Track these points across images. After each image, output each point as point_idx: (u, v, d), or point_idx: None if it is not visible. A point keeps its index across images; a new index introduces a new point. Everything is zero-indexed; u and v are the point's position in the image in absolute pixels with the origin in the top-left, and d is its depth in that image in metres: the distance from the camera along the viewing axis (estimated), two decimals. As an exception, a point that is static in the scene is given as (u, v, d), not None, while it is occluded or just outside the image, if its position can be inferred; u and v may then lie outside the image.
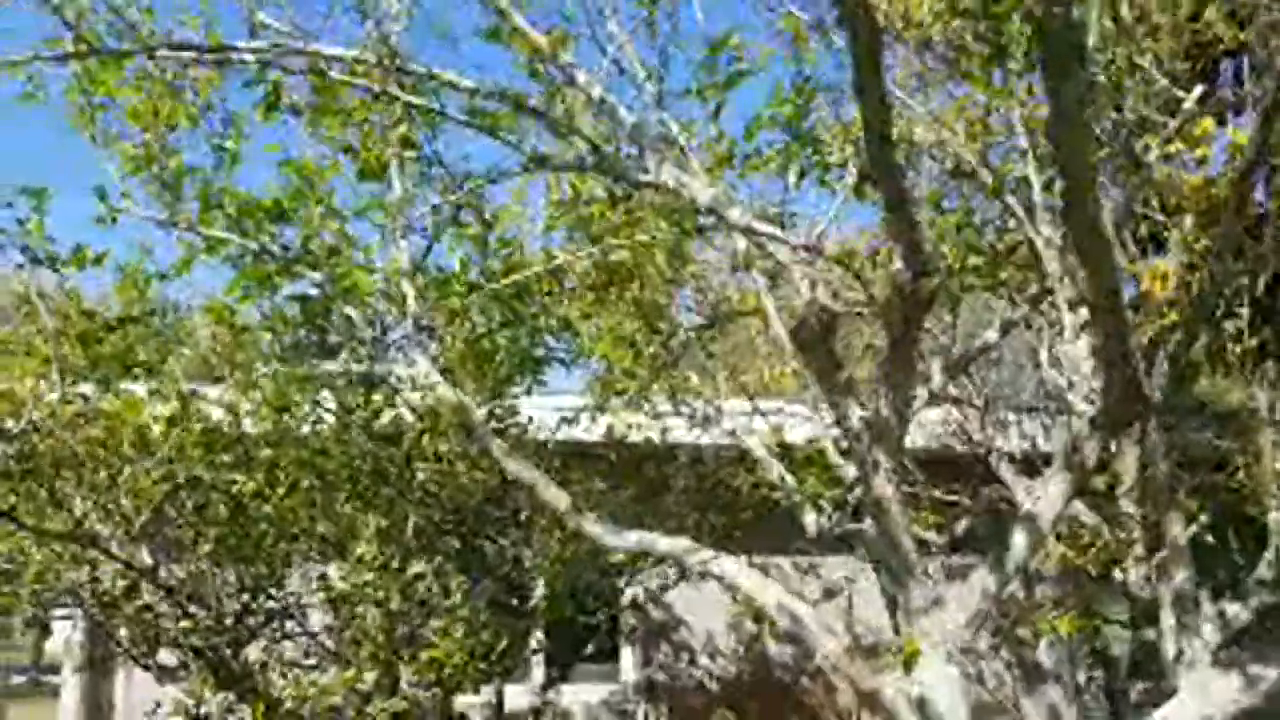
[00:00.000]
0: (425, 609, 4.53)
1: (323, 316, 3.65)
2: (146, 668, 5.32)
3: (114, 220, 4.80)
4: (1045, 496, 2.82)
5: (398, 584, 4.41)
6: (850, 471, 3.21)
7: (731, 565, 2.90)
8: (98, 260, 4.95)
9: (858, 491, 3.10)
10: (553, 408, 6.18)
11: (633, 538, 3.07)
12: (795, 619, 2.76)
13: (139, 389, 4.79)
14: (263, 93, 3.90)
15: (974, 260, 3.37)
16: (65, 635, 8.06)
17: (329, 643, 5.07)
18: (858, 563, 5.72)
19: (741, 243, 3.35)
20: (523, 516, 5.79)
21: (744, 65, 3.27)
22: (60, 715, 8.10)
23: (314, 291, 3.47)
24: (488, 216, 4.05)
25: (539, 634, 6.58)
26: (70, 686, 8.00)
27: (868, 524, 2.89)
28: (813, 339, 2.58)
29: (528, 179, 4.04)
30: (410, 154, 3.56)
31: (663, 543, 3.02)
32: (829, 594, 3.57)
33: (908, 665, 2.61)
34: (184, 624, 4.76)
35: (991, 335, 3.29)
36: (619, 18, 3.37)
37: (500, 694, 6.69)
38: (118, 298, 5.13)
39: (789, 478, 3.69)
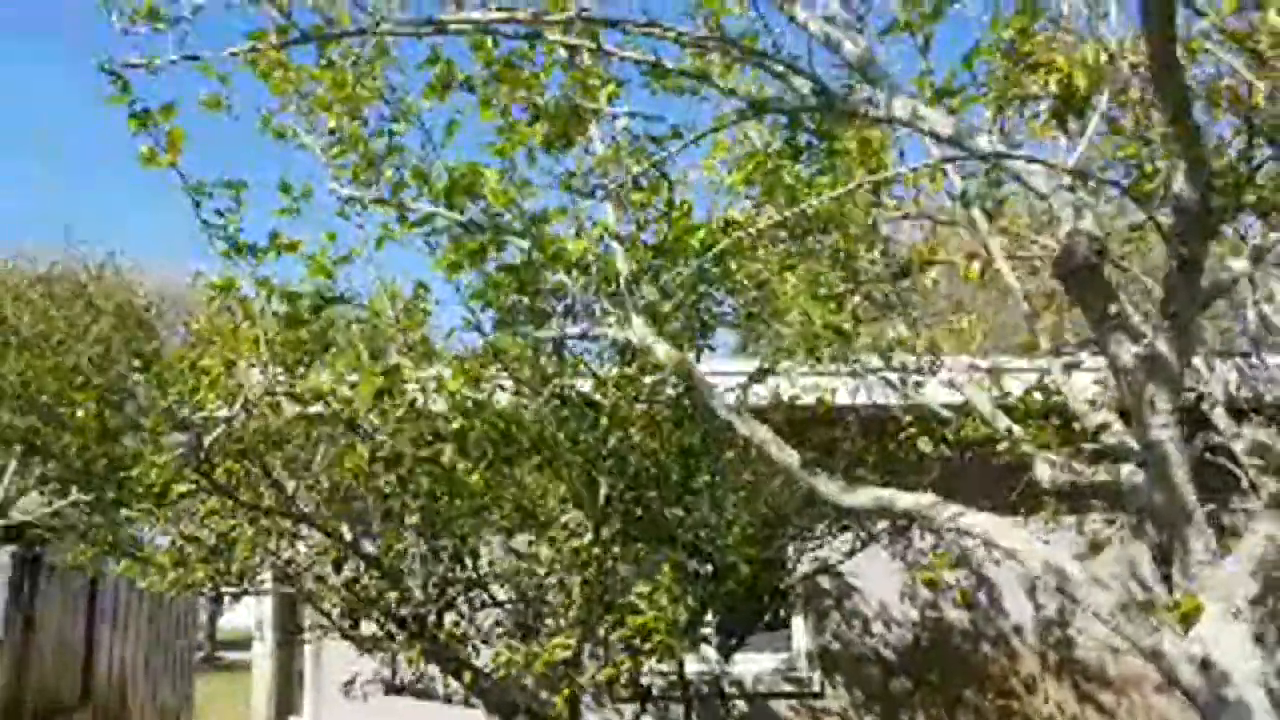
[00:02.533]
0: (621, 577, 4.53)
1: (532, 283, 3.65)
2: (351, 639, 5.53)
3: (296, 209, 4.96)
4: None
5: (597, 551, 4.42)
6: (1096, 419, 3.00)
7: (985, 520, 2.74)
8: (291, 248, 5.13)
9: (1107, 437, 2.89)
10: (718, 371, 6.10)
11: (870, 494, 2.95)
12: (1062, 574, 2.58)
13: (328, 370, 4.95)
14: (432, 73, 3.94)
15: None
16: (259, 611, 8.49)
17: (521, 612, 5.15)
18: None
19: (957, 181, 3.16)
20: (701, 484, 5.74)
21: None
22: (256, 685, 8.55)
23: (519, 260, 3.46)
24: (675, 177, 3.98)
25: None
26: (264, 659, 8.43)
27: (1126, 472, 2.69)
28: (1083, 268, 2.39)
29: (716, 136, 3.93)
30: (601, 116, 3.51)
31: (904, 499, 2.89)
32: (1095, 547, 3.37)
33: (1187, 622, 2.42)
34: (392, 594, 4.91)
35: (1240, 265, 3.01)
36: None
37: (681, 663, 6.70)
38: (309, 281, 5.32)
39: (1016, 428, 3.49)
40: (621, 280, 3.38)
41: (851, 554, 7.11)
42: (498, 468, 4.66)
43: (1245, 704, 2.28)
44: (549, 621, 4.51)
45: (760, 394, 5.77)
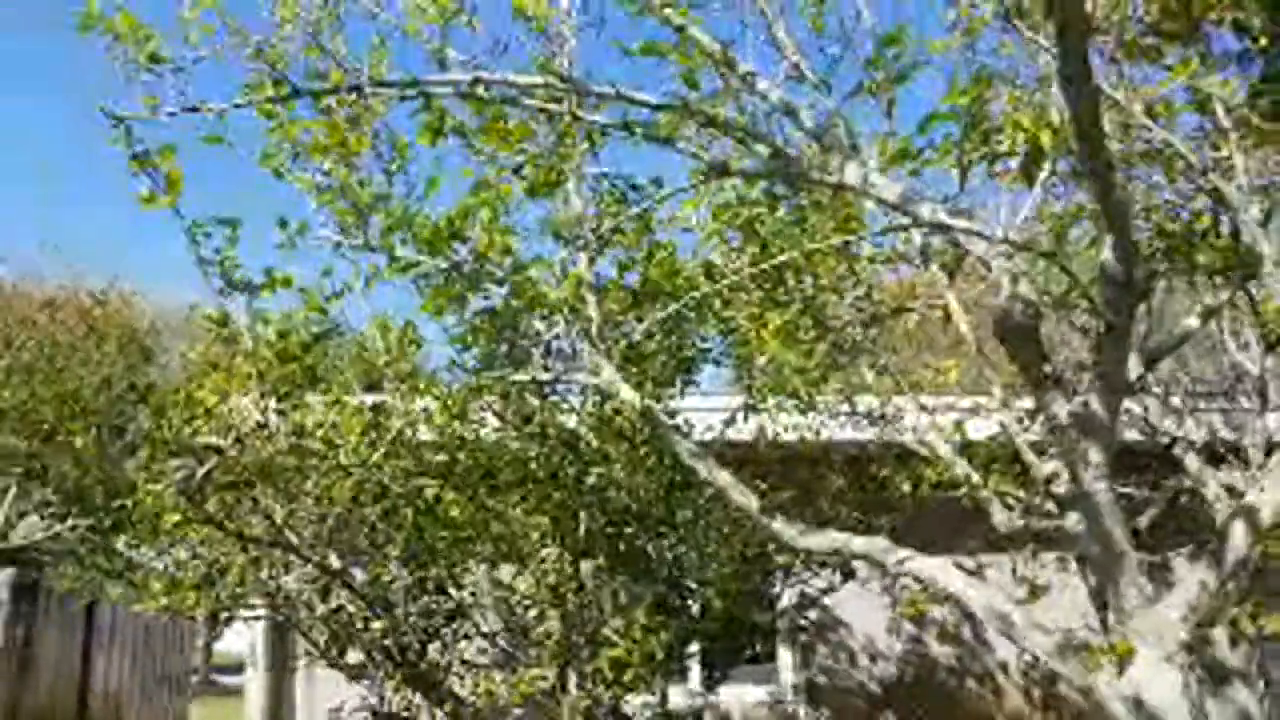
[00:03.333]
0: (600, 610, 4.64)
1: (510, 328, 3.79)
2: (337, 667, 5.63)
3: (292, 244, 5.13)
4: (1267, 488, 2.68)
5: (575, 585, 4.53)
6: (1046, 468, 3.13)
7: (930, 564, 2.87)
8: (285, 283, 5.30)
9: (1055, 487, 3.02)
10: (703, 408, 6.23)
11: (826, 538, 3.07)
12: (1004, 618, 2.71)
13: (317, 400, 5.11)
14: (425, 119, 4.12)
15: (1166, 244, 3.24)
16: (251, 637, 8.59)
17: (503, 643, 5.26)
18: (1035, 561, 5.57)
19: (917, 238, 3.31)
20: (683, 519, 5.86)
21: (914, 60, 3.25)
22: (249, 709, 8.62)
23: (499, 305, 3.61)
24: (651, 225, 4.14)
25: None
26: (256, 685, 8.51)
27: (1072, 520, 2.81)
28: (1018, 332, 2.53)
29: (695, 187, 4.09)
30: (580, 170, 3.67)
31: (857, 542, 3.01)
32: (1033, 592, 3.49)
33: (1122, 665, 2.54)
34: (377, 625, 5.03)
35: (1192, 322, 3.15)
36: (785, 21, 3.39)
37: (665, 695, 6.79)
38: (303, 318, 5.49)
39: (974, 475, 3.62)
40: (594, 327, 3.52)
41: (829, 590, 7.20)
42: (480, 501, 4.80)
43: (1173, 746, 2.40)
44: (530, 652, 4.62)
45: (744, 431, 5.90)
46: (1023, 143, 3.27)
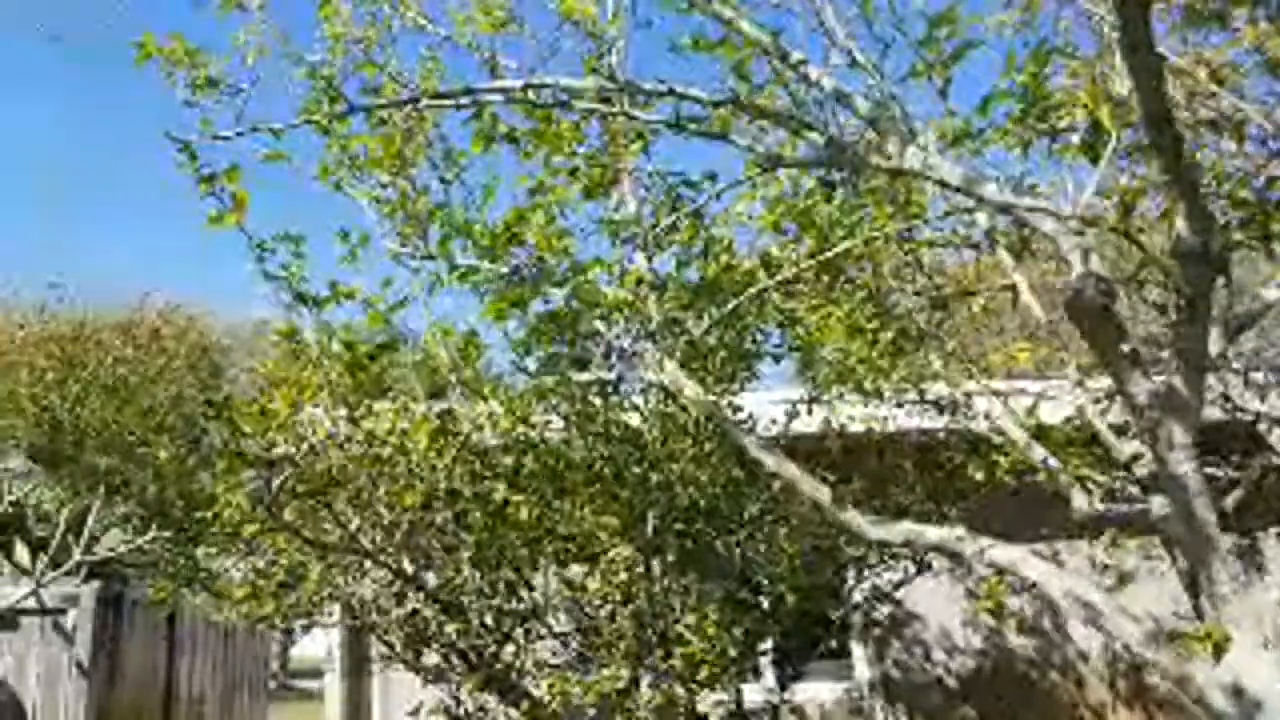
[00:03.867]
0: (671, 609, 4.63)
1: (571, 329, 3.81)
2: (414, 669, 5.71)
3: (354, 256, 5.22)
4: None
5: (646, 583, 4.53)
6: (1128, 450, 3.04)
7: (1012, 553, 2.81)
8: (349, 295, 5.40)
9: (1139, 468, 2.93)
10: (767, 402, 6.19)
11: (899, 529, 3.03)
12: (1089, 606, 2.63)
13: (385, 408, 5.19)
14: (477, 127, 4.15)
15: (1241, 214, 3.12)
16: (328, 642, 8.76)
17: (575, 643, 5.29)
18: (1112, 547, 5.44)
19: (982, 220, 3.25)
20: (750, 514, 5.82)
21: (969, 39, 3.18)
22: (328, 713, 8.78)
23: (559, 308, 3.63)
24: (706, 221, 4.13)
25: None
26: (334, 688, 8.68)
27: (1158, 503, 2.73)
28: (1092, 310, 2.46)
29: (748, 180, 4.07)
30: (633, 169, 3.68)
31: (931, 532, 2.96)
32: (1122, 579, 3.38)
33: (1218, 651, 2.45)
34: (452, 627, 5.08)
35: (1273, 293, 3.03)
36: (833, 7, 3.36)
37: (739, 692, 6.75)
38: (367, 328, 5.58)
39: (1052, 459, 3.54)
40: (654, 325, 3.51)
41: (900, 584, 7.08)
42: (549, 502, 4.82)
43: (1272, 733, 2.31)
44: (603, 652, 4.63)
45: (810, 424, 5.84)
46: (1083, 119, 3.18)
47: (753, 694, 7.34)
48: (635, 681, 4.61)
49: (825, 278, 4.04)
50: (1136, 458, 3.03)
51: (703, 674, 4.40)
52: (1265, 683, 2.39)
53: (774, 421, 5.86)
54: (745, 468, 5.66)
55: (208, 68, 4.53)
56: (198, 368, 12.60)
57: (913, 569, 7.08)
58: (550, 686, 4.53)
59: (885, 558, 6.87)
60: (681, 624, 4.56)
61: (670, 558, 4.94)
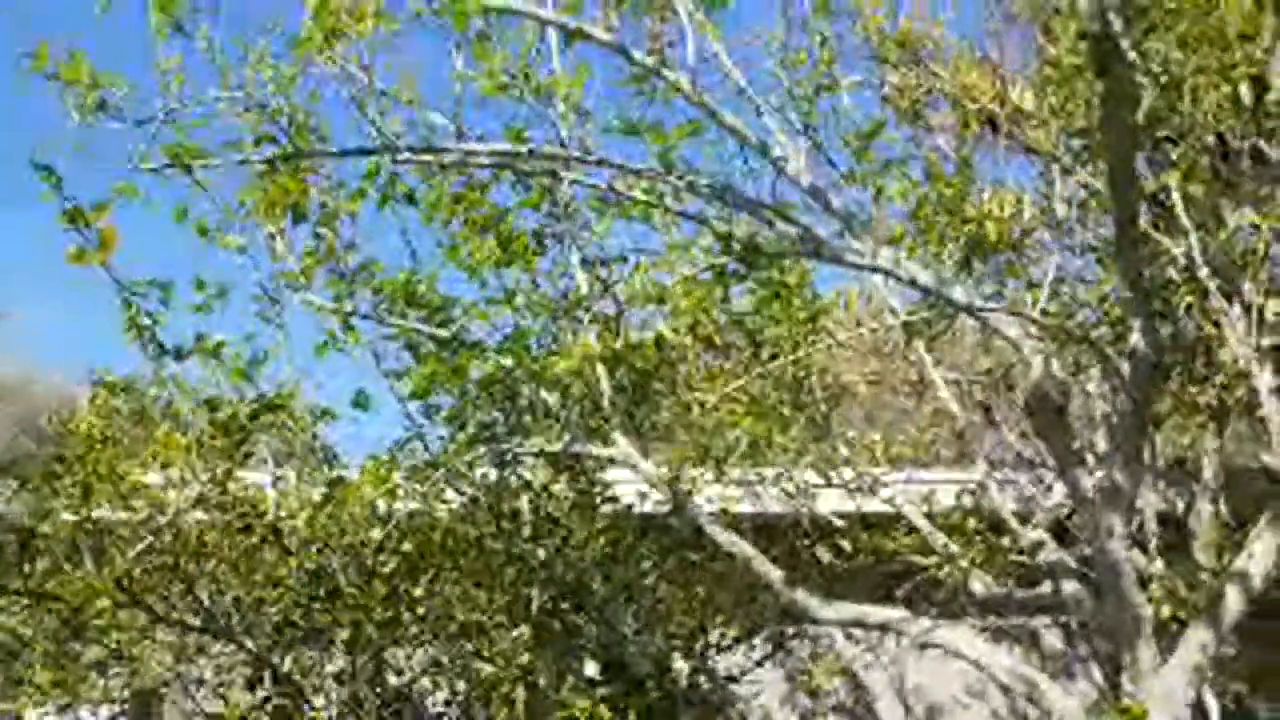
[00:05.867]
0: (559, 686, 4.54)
1: (510, 400, 3.75)
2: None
3: (210, 309, 4.93)
4: (1257, 555, 2.98)
5: (539, 661, 4.42)
6: (1031, 536, 3.34)
7: (955, 633, 3.00)
8: (216, 350, 5.07)
9: (1041, 555, 3.23)
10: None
11: (847, 609, 3.16)
12: (1029, 681, 2.86)
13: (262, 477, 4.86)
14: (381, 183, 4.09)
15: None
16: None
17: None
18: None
19: (897, 320, 3.53)
20: (608, 593, 5.80)
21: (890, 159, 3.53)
22: None
23: (494, 374, 3.56)
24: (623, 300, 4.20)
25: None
26: None
27: (1070, 588, 3.01)
28: (1049, 410, 2.75)
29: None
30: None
31: (877, 613, 3.12)
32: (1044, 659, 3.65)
33: (1138, 725, 2.73)
34: (312, 715, 4.72)
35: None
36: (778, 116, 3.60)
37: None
38: (231, 383, 5.23)
39: (952, 545, 3.81)
40: (605, 399, 3.54)
41: (744, 673, 7.19)
42: (438, 579, 4.63)
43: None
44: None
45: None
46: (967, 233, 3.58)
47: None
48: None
49: (742, 360, 4.21)
50: (1040, 545, 3.33)
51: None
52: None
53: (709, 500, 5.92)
54: (615, 546, 5.69)
55: (97, 91, 4.16)
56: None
57: (754, 655, 7.23)
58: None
59: (723, 643, 6.98)
60: (572, 705, 4.48)
61: (545, 636, 4.85)
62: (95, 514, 4.47)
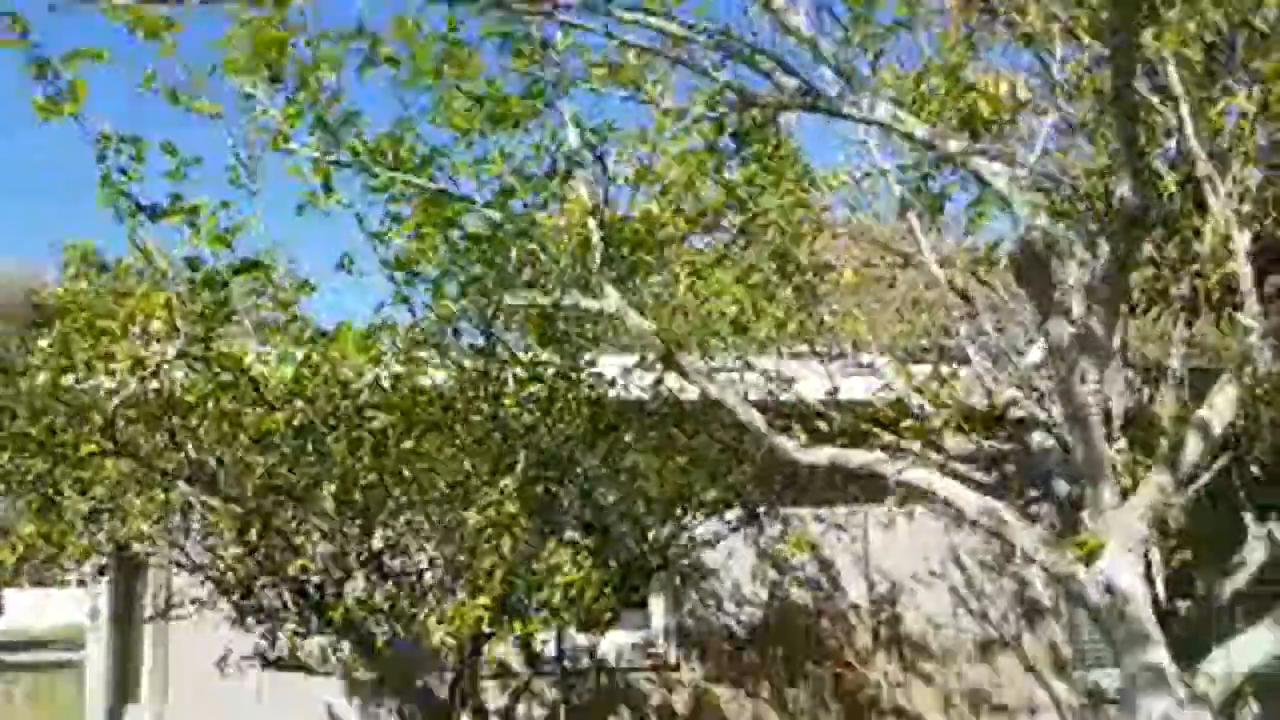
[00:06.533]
0: (540, 543, 4.69)
1: (501, 254, 3.76)
2: (242, 611, 5.40)
3: (181, 175, 4.86)
4: (1217, 405, 3.12)
5: (519, 521, 4.55)
6: (1006, 394, 3.46)
7: (926, 474, 3.15)
8: (192, 210, 5.01)
9: (1012, 413, 3.36)
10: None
11: (825, 452, 3.29)
12: (996, 515, 3.01)
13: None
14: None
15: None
16: (94, 595, 7.96)
17: (429, 579, 5.19)
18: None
19: (897, 190, 3.57)
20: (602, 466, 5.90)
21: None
22: (90, 675, 7.98)
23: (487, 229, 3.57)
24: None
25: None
26: (99, 648, 7.89)
27: (1037, 437, 3.16)
28: (1034, 261, 2.82)
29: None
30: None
31: (856, 456, 3.24)
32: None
33: (1092, 556, 2.90)
34: (296, 564, 4.84)
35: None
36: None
37: (560, 637, 6.85)
38: (210, 248, 5.17)
39: (928, 405, 3.94)
40: (596, 253, 3.56)
41: (713, 540, 7.42)
42: (423, 441, 4.70)
43: (1139, 619, 2.78)
44: (487, 584, 4.58)
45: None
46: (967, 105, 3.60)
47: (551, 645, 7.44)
48: (502, 613, 4.63)
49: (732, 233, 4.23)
50: (1013, 403, 3.46)
51: (583, 603, 4.49)
52: (1130, 582, 2.86)
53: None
54: (594, 421, 5.80)
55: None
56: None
57: (725, 529, 7.47)
58: (426, 615, 4.45)
59: (696, 515, 7.20)
60: (557, 556, 4.63)
61: (537, 496, 4.98)
62: (74, 376, 4.46)
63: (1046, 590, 9.18)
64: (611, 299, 3.54)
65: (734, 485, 6.27)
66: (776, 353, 4.74)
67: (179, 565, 5.54)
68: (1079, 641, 9.20)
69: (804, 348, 4.74)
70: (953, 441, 3.79)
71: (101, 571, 6.12)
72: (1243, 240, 3.21)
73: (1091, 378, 2.94)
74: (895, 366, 4.24)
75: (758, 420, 3.30)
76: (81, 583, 7.45)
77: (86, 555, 5.29)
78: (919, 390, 4.05)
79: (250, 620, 5.65)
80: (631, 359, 6.32)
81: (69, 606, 8.29)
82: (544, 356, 4.57)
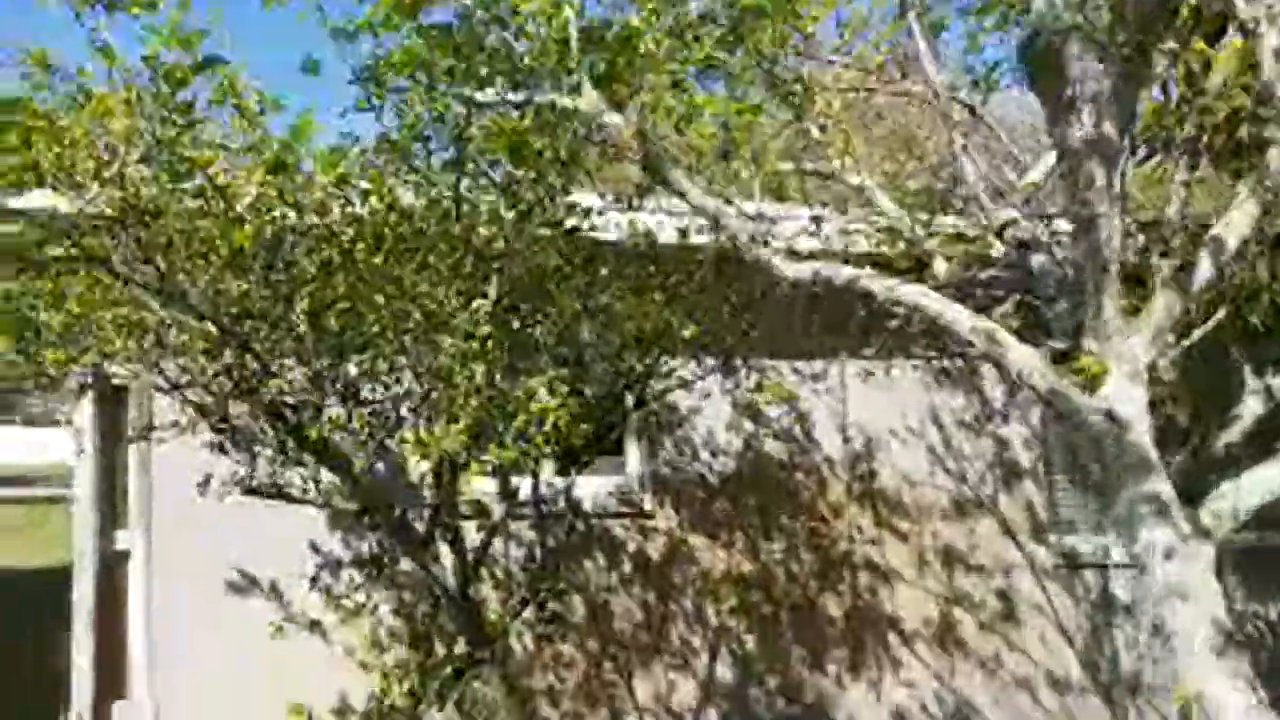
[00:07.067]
0: (515, 370, 4.60)
1: (470, 44, 3.51)
2: (221, 432, 5.35)
3: None
4: (1233, 222, 2.99)
5: (491, 346, 4.45)
6: (1002, 215, 3.31)
7: (918, 290, 3.03)
8: (151, 4, 4.73)
9: (1009, 233, 3.22)
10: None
11: (809, 266, 3.16)
12: (990, 336, 2.91)
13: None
14: None
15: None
16: (78, 419, 7.86)
17: (404, 409, 5.14)
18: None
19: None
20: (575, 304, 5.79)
21: None
22: (79, 502, 7.94)
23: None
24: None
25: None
26: (85, 471, 7.84)
27: (1037, 260, 3.03)
28: (1042, 57, 2.63)
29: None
30: None
31: (845, 271, 3.12)
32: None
33: (1096, 381, 2.81)
34: (273, 384, 4.75)
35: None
36: None
37: (536, 476, 6.86)
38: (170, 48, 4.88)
39: (919, 227, 3.79)
40: (573, 44, 3.32)
41: (689, 381, 7.33)
42: (392, 262, 4.55)
43: (1141, 445, 2.72)
44: (462, 409, 4.51)
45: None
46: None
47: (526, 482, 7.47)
48: (477, 441, 4.59)
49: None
50: (1010, 223, 3.32)
51: (557, 431, 4.43)
52: (1132, 410, 2.78)
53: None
54: (569, 255, 5.64)
55: None
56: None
57: (702, 373, 7.42)
58: (400, 442, 4.40)
59: (673, 355, 7.10)
60: (532, 380, 4.55)
61: (510, 328, 4.87)
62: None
63: (1026, 452, 9.26)
64: (590, 96, 3.32)
65: (712, 328, 6.17)
66: (760, 190, 4.53)
67: (156, 388, 5.44)
68: (1057, 505, 9.34)
69: (789, 169, 4.51)
70: (945, 270, 3.67)
71: (82, 389, 6.02)
72: (1273, 38, 3.01)
73: (1100, 184, 2.80)
74: (883, 186, 4.05)
75: (746, 230, 3.14)
76: (69, 422, 7.35)
77: (63, 367, 5.16)
78: (909, 214, 3.89)
79: (228, 445, 5.61)
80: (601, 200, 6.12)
81: (60, 443, 8.19)
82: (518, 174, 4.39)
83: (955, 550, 9.10)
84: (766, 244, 3.39)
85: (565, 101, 3.46)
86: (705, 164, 4.34)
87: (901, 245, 3.87)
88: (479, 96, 3.61)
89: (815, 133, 4.39)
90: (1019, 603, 9.16)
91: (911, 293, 3.03)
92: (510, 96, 3.60)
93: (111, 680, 7.42)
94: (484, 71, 3.63)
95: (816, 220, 4.60)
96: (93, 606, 7.38)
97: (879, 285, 3.06)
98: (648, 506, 8.60)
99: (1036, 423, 9.45)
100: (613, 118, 3.29)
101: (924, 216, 3.94)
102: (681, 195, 3.25)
